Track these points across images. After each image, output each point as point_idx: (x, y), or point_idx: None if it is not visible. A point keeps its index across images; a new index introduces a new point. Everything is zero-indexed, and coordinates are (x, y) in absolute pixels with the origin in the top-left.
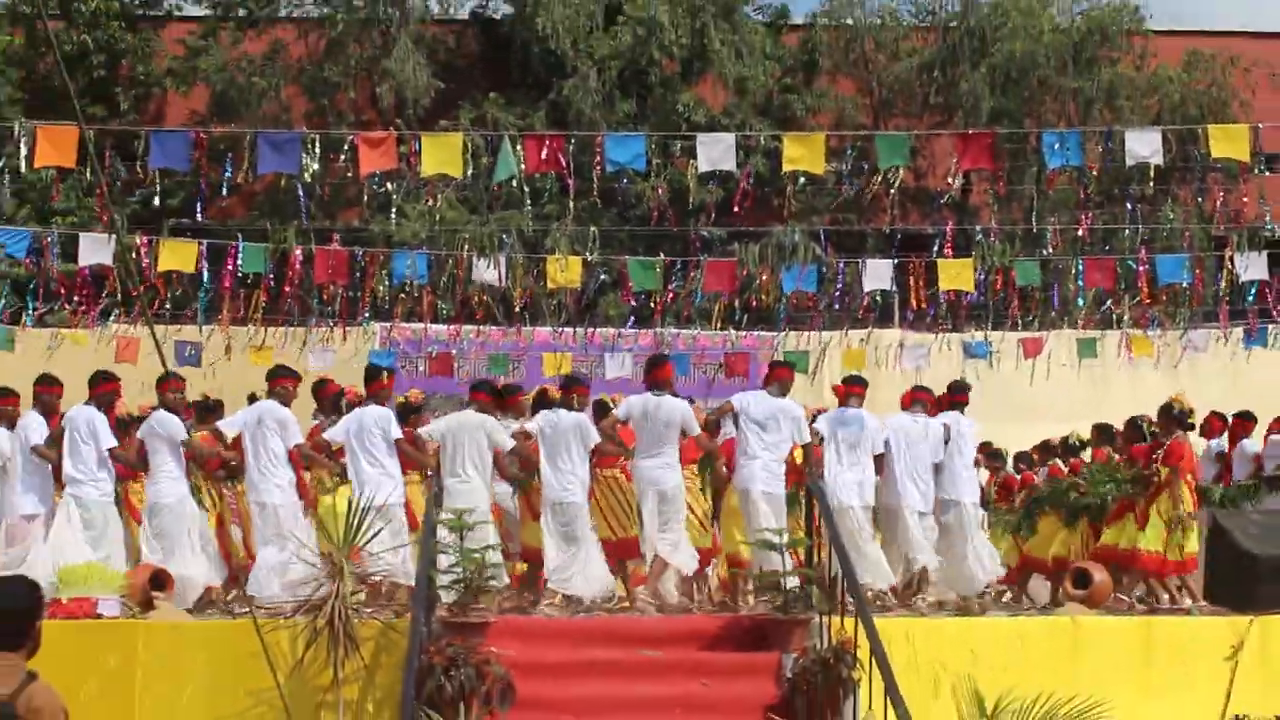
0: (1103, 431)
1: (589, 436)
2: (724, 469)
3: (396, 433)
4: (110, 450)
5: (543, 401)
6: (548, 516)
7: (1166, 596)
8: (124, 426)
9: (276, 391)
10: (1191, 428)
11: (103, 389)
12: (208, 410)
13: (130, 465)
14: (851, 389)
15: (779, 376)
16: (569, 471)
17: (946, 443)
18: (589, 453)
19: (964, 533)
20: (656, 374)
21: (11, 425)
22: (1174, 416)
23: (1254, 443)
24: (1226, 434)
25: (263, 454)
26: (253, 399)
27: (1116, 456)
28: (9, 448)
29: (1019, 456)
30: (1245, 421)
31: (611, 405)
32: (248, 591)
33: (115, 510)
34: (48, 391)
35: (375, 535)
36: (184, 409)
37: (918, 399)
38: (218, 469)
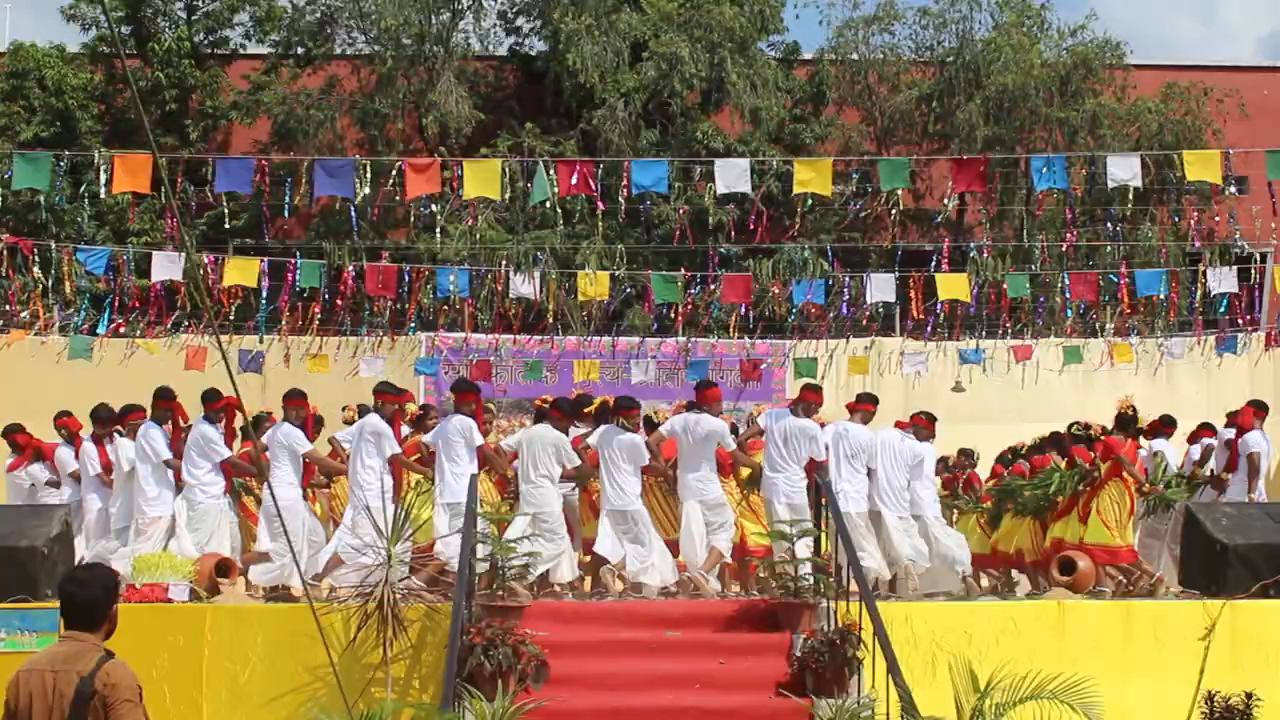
0: (1051, 437)
1: (641, 456)
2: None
3: (479, 440)
4: (228, 460)
5: (604, 413)
6: (607, 521)
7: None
8: (317, 427)
9: (378, 407)
10: (1138, 430)
11: (214, 406)
12: (420, 420)
13: (246, 471)
14: (861, 406)
15: (806, 399)
16: (622, 483)
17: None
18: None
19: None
20: (705, 395)
21: (134, 435)
22: (1117, 420)
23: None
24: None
25: (360, 461)
26: (363, 411)
27: (1062, 461)
28: (133, 456)
29: (999, 458)
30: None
31: (657, 422)
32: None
33: (226, 511)
34: (165, 405)
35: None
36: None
37: (917, 424)
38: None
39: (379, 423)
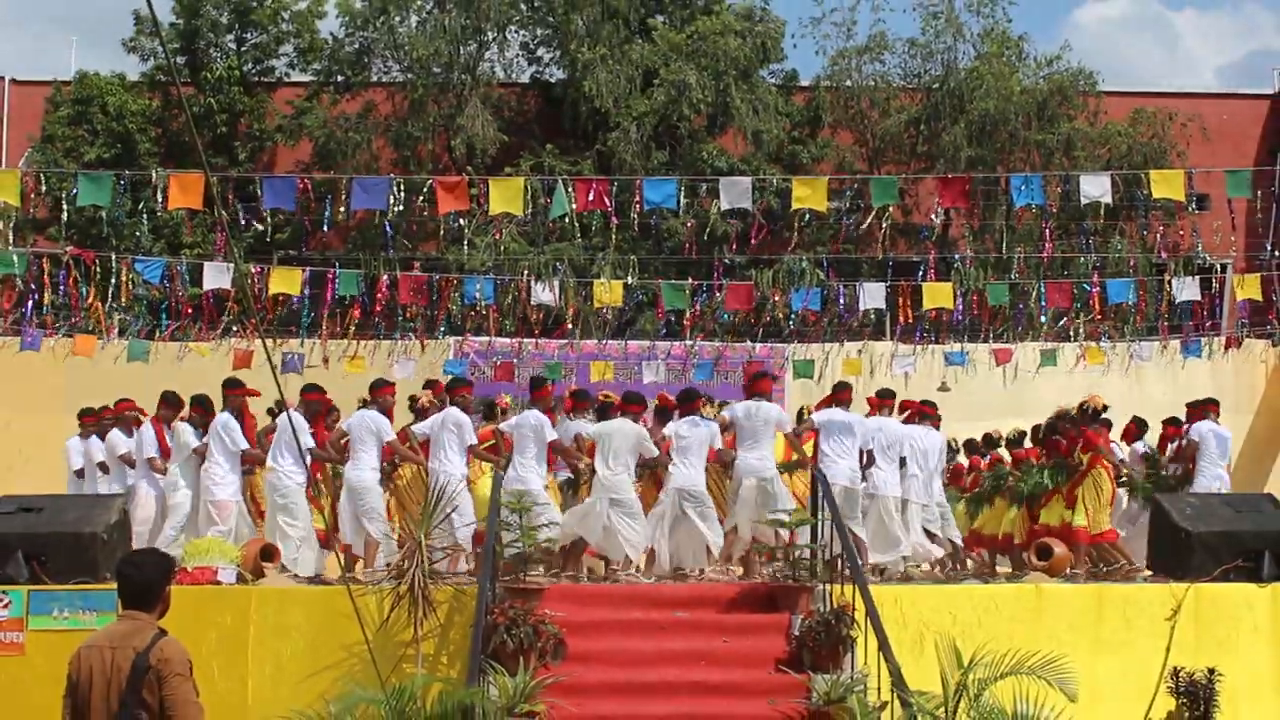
0: (1033, 431)
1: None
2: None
3: (551, 435)
4: (311, 449)
5: (664, 410)
6: (675, 500)
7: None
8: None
9: (458, 400)
10: (1105, 423)
11: (308, 399)
12: (490, 410)
13: (326, 459)
14: (885, 401)
15: (760, 389)
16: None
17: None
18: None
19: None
20: (759, 385)
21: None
22: (1086, 413)
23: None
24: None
25: (444, 449)
26: (442, 404)
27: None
28: (193, 441)
29: (968, 444)
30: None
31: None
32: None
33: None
34: (235, 394)
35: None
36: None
37: (925, 412)
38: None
39: (461, 415)
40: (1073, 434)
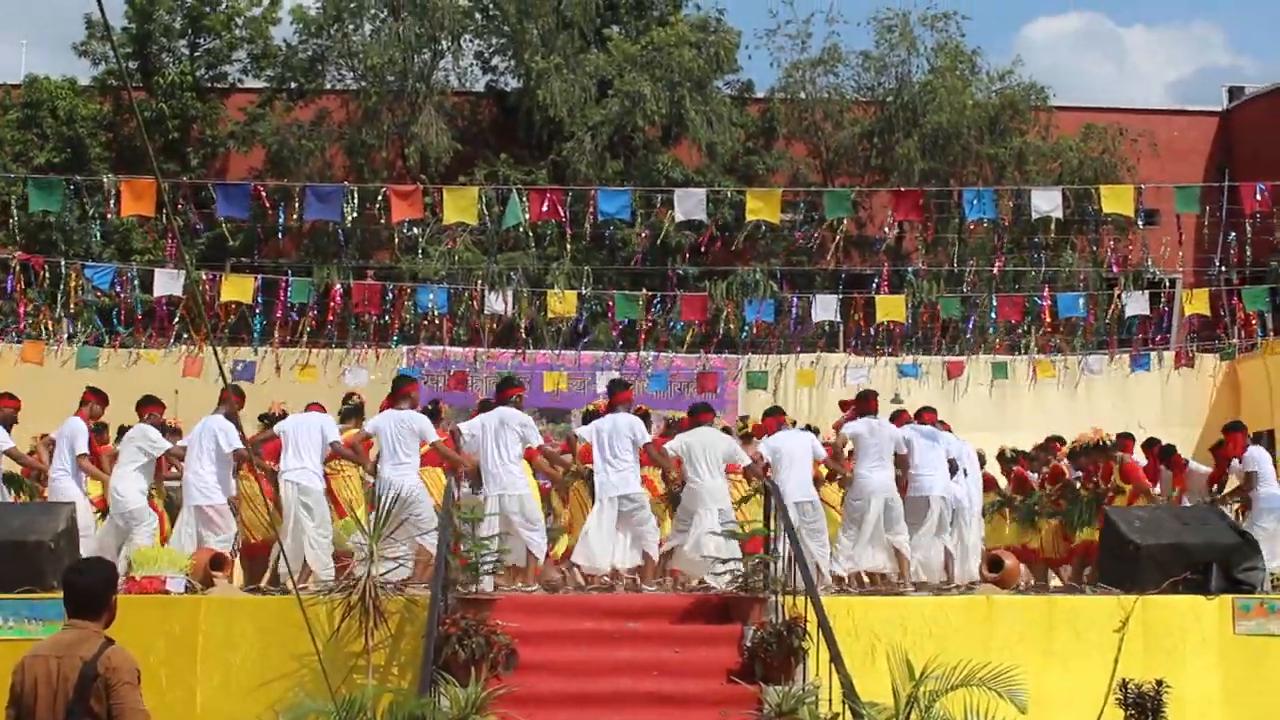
0: (1045, 448)
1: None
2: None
3: (646, 437)
4: (335, 446)
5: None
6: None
7: None
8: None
9: (513, 399)
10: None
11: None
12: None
13: (349, 458)
14: (926, 417)
15: (871, 407)
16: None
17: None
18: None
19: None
20: (870, 404)
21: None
22: (1104, 447)
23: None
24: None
25: (504, 452)
26: (485, 405)
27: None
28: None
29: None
30: (1126, 440)
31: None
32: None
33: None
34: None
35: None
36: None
37: (928, 421)
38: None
39: (521, 415)
40: (1100, 464)
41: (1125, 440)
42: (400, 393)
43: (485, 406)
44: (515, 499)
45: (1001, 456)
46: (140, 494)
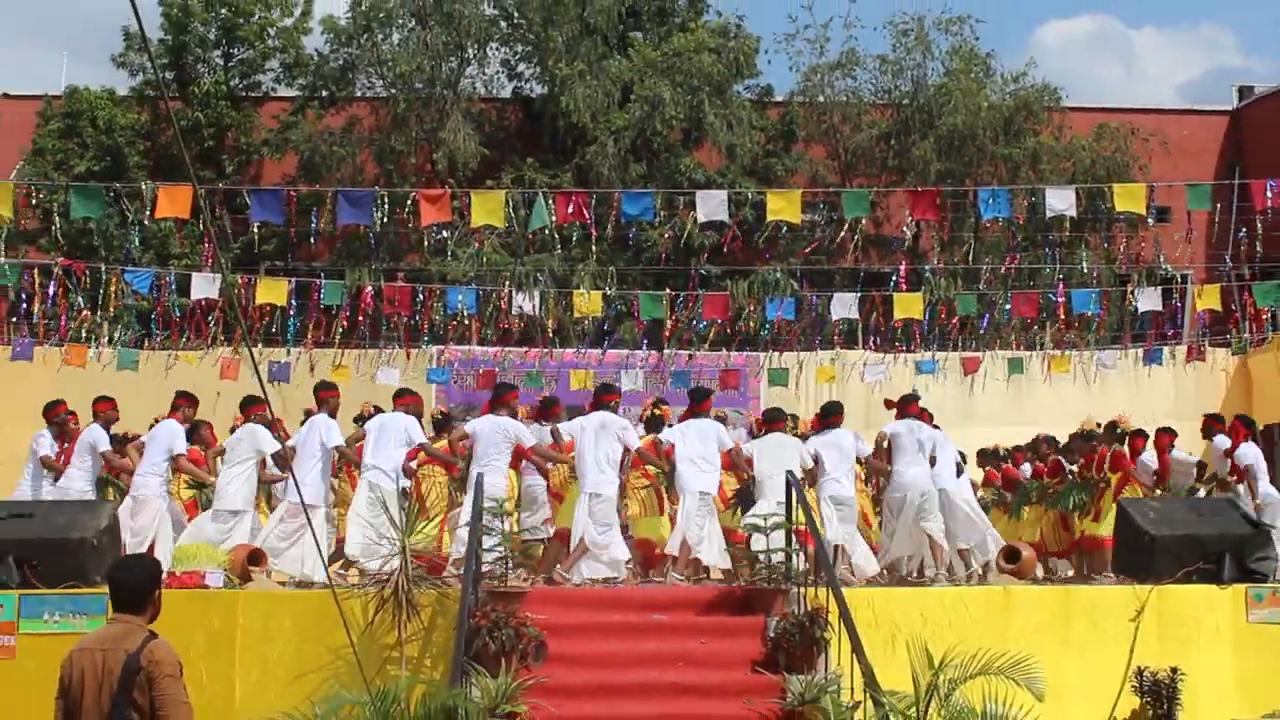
0: (1049, 442)
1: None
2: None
3: (728, 442)
4: (425, 448)
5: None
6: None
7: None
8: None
9: (610, 404)
10: (1124, 439)
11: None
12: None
13: (444, 460)
14: (919, 414)
15: (912, 410)
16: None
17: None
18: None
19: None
20: (911, 407)
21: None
22: (1114, 433)
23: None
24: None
25: (601, 453)
26: (546, 403)
27: (1076, 467)
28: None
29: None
30: (1164, 435)
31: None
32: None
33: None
34: (329, 395)
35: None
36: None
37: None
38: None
39: (622, 419)
40: (1096, 451)
41: (1137, 437)
42: (501, 400)
43: (546, 404)
44: (602, 500)
45: (986, 453)
46: (249, 493)
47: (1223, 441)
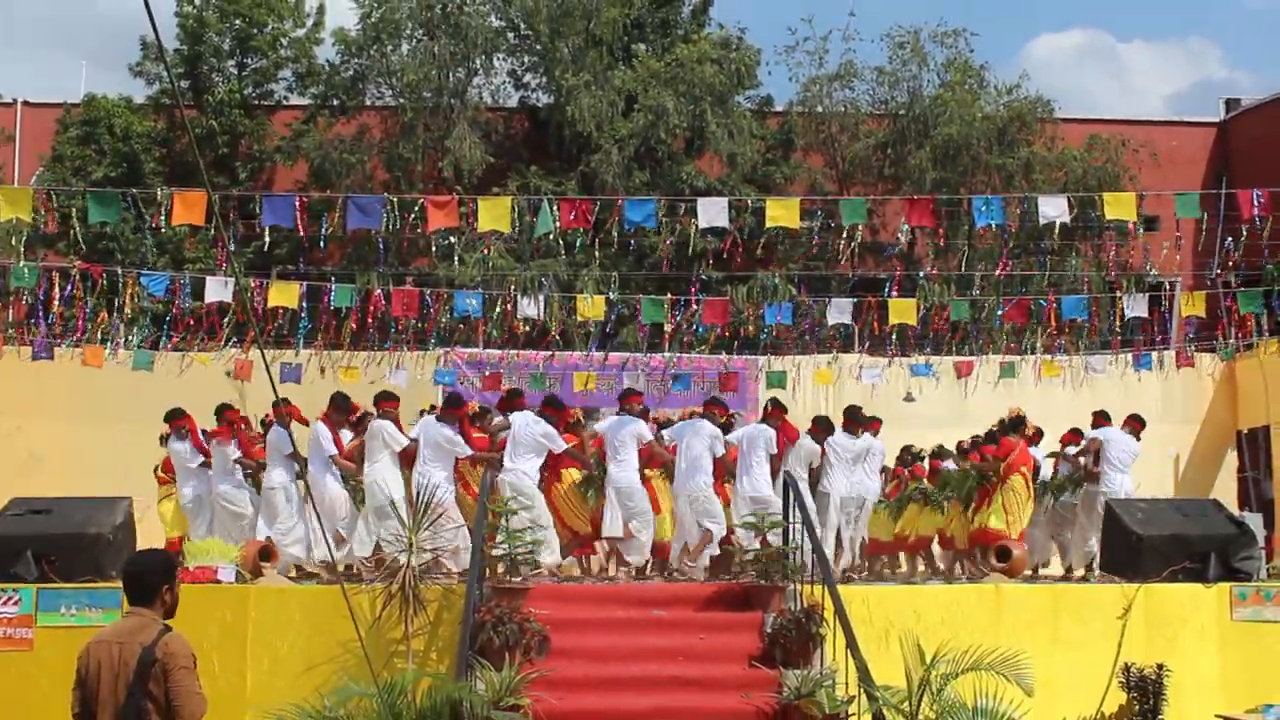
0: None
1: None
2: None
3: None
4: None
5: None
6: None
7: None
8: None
9: (631, 407)
10: (1025, 434)
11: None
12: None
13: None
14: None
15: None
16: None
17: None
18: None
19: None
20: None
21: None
22: (1006, 424)
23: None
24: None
25: (622, 451)
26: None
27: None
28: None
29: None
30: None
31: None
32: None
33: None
34: (389, 405)
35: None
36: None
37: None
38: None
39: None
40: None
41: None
42: (514, 404)
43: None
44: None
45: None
46: (398, 485)
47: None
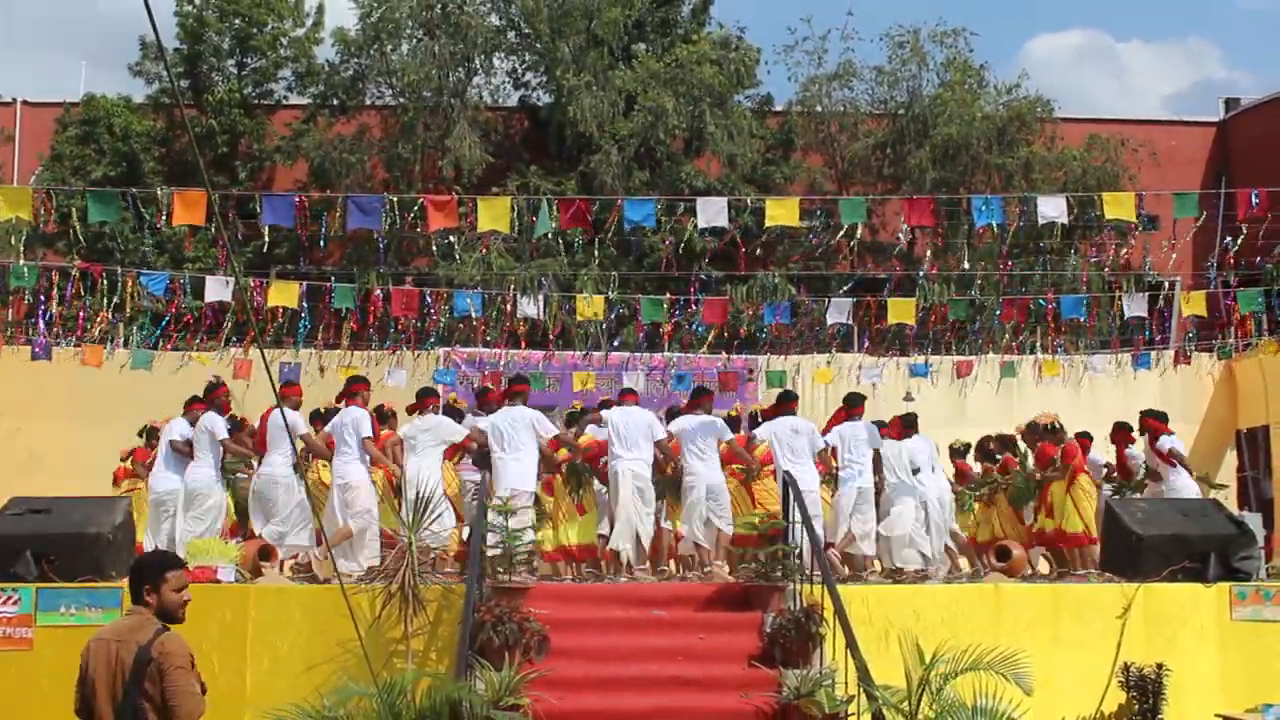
0: (1004, 441)
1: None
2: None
3: (660, 433)
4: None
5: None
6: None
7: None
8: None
9: (707, 406)
10: (1088, 437)
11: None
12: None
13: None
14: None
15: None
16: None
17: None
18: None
19: None
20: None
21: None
22: (1046, 430)
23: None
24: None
25: (708, 451)
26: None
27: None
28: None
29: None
30: (1127, 432)
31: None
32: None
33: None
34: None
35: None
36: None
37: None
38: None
39: (720, 420)
40: (1046, 446)
41: (1083, 439)
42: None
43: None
44: (715, 489)
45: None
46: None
47: (1136, 449)
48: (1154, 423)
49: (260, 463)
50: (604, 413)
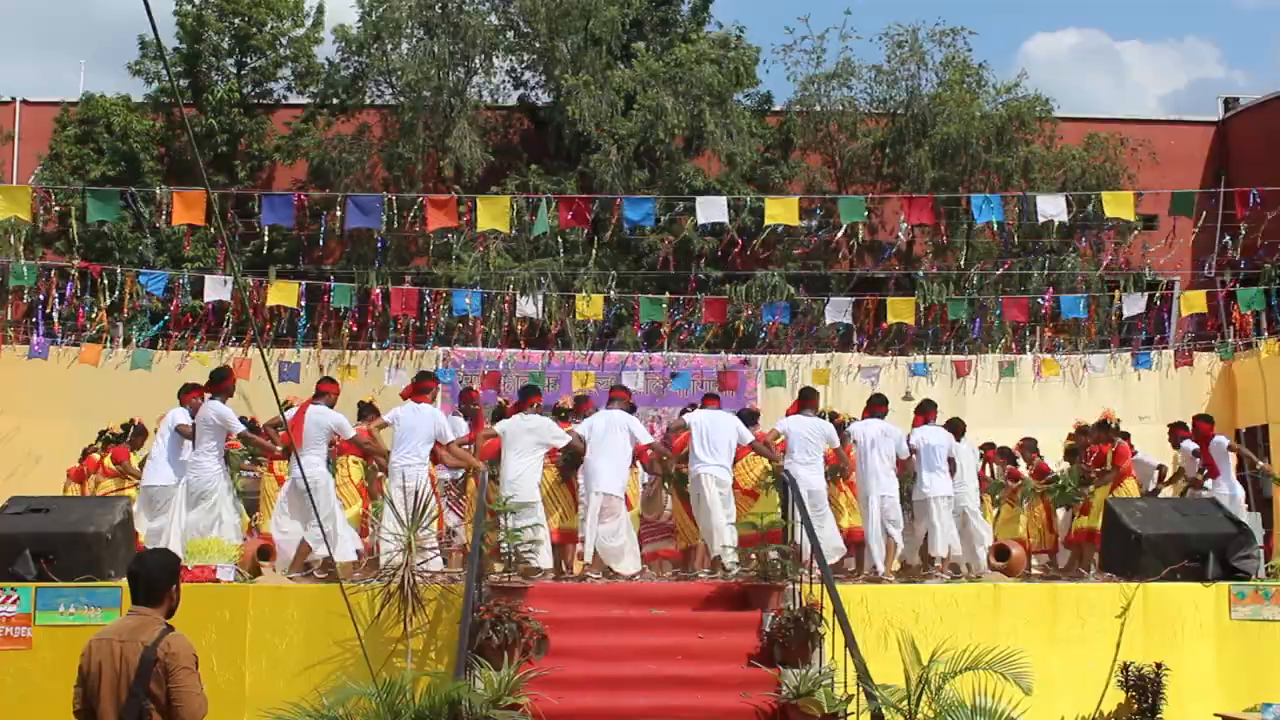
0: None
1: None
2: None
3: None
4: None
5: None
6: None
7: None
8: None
9: (620, 400)
10: (1126, 436)
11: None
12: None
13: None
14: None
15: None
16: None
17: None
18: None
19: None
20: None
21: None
22: (1107, 430)
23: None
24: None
25: (611, 450)
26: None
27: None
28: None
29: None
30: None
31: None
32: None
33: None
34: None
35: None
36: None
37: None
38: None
39: (629, 417)
40: (1100, 447)
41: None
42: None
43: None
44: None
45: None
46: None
47: (1189, 445)
48: (1205, 426)
49: (295, 460)
50: (687, 416)
